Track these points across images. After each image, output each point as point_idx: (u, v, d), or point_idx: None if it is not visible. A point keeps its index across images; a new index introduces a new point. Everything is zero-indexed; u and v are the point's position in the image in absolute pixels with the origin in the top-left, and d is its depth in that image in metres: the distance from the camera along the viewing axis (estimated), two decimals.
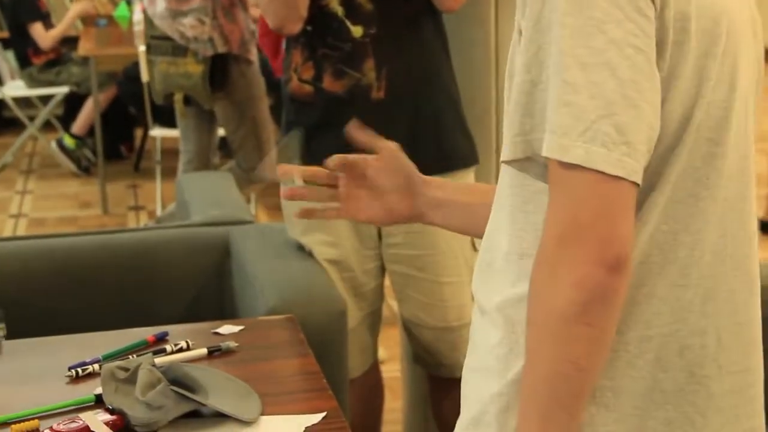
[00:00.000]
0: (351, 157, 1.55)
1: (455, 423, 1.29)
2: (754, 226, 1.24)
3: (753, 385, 1.25)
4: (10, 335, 2.05)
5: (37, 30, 6.18)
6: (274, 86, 4.29)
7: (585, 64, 1.08)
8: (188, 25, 4.22)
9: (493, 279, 1.23)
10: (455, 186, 1.59)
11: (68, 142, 6.30)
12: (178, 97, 4.40)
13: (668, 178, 1.15)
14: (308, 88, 2.33)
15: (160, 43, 4.39)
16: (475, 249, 2.44)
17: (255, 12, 4.23)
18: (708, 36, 1.14)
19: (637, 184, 1.09)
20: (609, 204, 1.08)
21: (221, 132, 4.72)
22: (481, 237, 1.31)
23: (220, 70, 4.30)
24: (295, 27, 2.29)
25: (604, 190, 1.07)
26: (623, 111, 1.07)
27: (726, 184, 1.19)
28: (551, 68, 1.09)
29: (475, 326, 1.27)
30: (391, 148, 1.55)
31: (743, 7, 1.21)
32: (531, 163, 1.14)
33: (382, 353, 3.13)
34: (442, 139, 2.37)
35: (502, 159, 1.15)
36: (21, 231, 5.31)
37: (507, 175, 1.22)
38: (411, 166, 1.54)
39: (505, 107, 1.21)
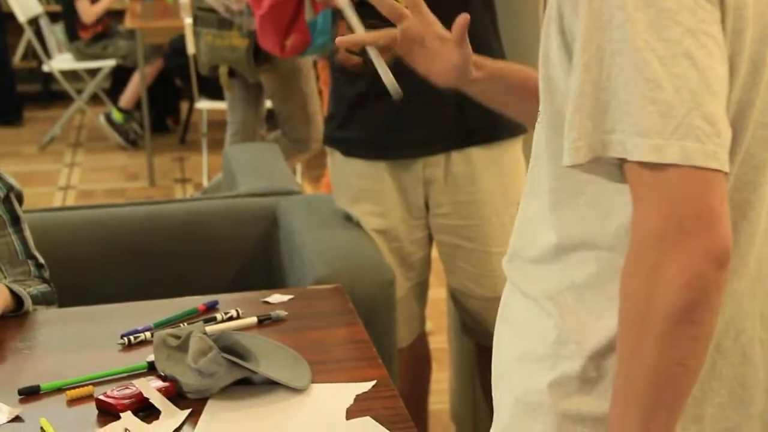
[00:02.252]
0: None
1: None
2: None
3: None
4: (62, 305, 2.08)
5: (83, 4, 6.22)
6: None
7: (663, 58, 1.05)
8: None
9: (539, 268, 1.22)
10: (507, 82, 1.63)
11: (116, 115, 6.35)
12: (222, 70, 4.41)
13: (733, 168, 1.14)
14: (356, 58, 2.33)
15: (206, 15, 4.39)
16: None
17: None
18: (763, 21, 1.13)
19: (727, 174, 1.07)
20: (709, 197, 1.05)
21: (268, 104, 4.73)
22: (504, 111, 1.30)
23: None
24: None
25: (703, 185, 1.05)
26: (709, 100, 1.05)
27: None
28: (623, 66, 1.06)
29: (516, 308, 1.27)
30: (466, 54, 1.58)
31: None
32: (594, 163, 1.11)
33: (428, 325, 3.14)
34: (490, 109, 2.36)
35: (564, 164, 1.11)
36: (69, 203, 5.37)
37: (547, 166, 1.20)
38: (468, 70, 1.58)
39: (540, 96, 1.20)
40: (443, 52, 1.57)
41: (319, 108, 4.51)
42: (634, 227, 1.08)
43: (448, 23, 2.30)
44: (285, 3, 2.61)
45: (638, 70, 1.05)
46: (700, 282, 1.04)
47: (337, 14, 2.36)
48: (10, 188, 2.12)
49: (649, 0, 1.05)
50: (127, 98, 6.35)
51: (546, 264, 1.22)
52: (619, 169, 1.11)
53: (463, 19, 1.55)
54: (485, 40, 2.36)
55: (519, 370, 1.24)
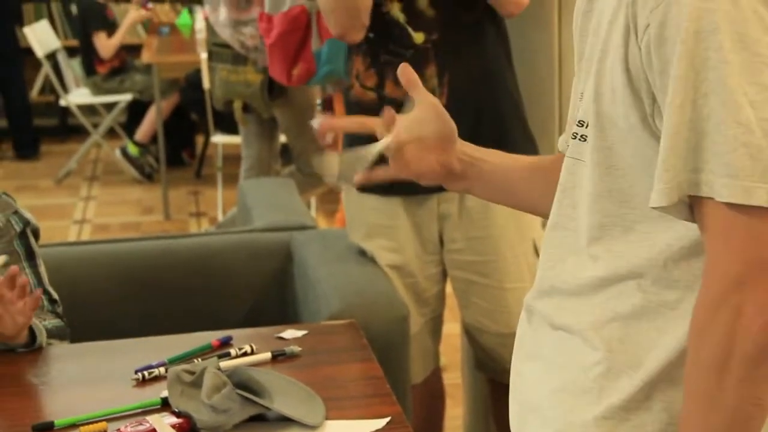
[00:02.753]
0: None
1: None
2: None
3: None
4: (76, 339, 2.08)
5: (100, 39, 6.27)
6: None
7: (754, 102, 1.06)
8: (248, 35, 4.26)
9: (578, 301, 1.22)
10: (493, 151, 1.53)
11: (132, 149, 6.38)
12: (237, 105, 4.44)
13: None
14: (371, 94, 2.34)
15: (221, 50, 4.43)
16: (537, 254, 2.42)
17: None
18: None
19: None
20: None
21: (283, 139, 4.75)
22: (512, 207, 1.28)
23: None
24: (358, 35, 2.30)
25: None
26: None
27: None
28: (715, 108, 1.07)
29: (548, 343, 1.26)
30: (429, 98, 1.49)
31: None
32: (677, 204, 1.12)
33: (442, 360, 3.13)
34: (505, 144, 2.35)
35: (652, 206, 1.12)
36: (85, 237, 5.38)
37: (593, 203, 1.20)
38: (447, 118, 1.49)
39: (588, 132, 1.19)
40: (419, 119, 1.49)
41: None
42: (710, 268, 1.10)
43: (460, 51, 2.31)
44: (292, 32, 2.64)
45: (730, 112, 1.07)
46: None
47: (353, 49, 2.38)
48: (26, 223, 2.13)
49: (744, 43, 1.07)
50: (143, 132, 6.39)
51: (586, 296, 1.22)
52: (688, 208, 1.12)
53: (405, 69, 1.49)
54: (499, 73, 2.37)
55: (557, 404, 1.24)
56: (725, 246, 1.08)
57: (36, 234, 2.16)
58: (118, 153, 6.42)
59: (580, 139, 1.23)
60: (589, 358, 1.20)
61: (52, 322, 2.06)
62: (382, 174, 1.50)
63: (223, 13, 4.31)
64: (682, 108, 1.09)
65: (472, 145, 1.51)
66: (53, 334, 2.03)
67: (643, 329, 1.17)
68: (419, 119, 1.48)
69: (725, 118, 1.07)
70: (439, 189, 2.34)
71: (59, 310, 2.12)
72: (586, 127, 1.22)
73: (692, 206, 1.11)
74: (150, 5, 6.97)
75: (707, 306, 1.09)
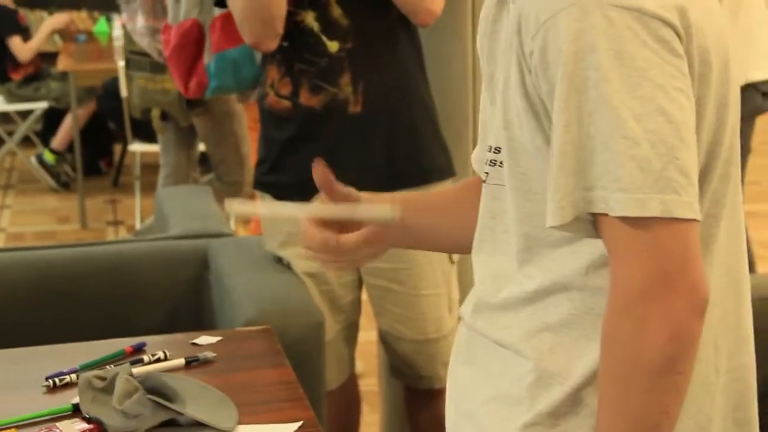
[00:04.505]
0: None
1: None
2: (743, 234, 1.28)
3: (746, 378, 1.28)
4: None
5: (15, 43, 6.18)
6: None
7: (639, 115, 1.08)
8: None
9: (508, 315, 1.24)
10: (422, 208, 1.51)
11: (48, 157, 6.30)
12: (155, 113, 4.41)
13: (703, 207, 1.17)
14: (286, 103, 2.35)
15: (138, 58, 4.40)
16: (451, 261, 2.45)
17: None
18: (722, 64, 1.18)
19: (699, 221, 1.11)
20: (689, 249, 1.09)
21: (201, 147, 4.73)
22: (445, 251, 1.28)
23: None
24: (272, 44, 2.31)
25: (683, 236, 1.09)
26: (683, 153, 1.09)
27: (731, 199, 1.23)
28: (601, 125, 1.09)
29: (484, 352, 1.28)
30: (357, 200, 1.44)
31: (728, 25, 1.25)
32: (576, 222, 1.13)
33: (359, 367, 3.14)
34: (419, 152, 2.39)
35: (549, 225, 1.14)
36: None
37: (517, 226, 1.22)
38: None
39: (503, 158, 1.22)
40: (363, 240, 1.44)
41: (250, 151, 4.52)
42: (614, 282, 1.11)
43: (374, 59, 2.34)
44: (185, 46, 2.64)
45: (616, 128, 1.08)
46: (684, 335, 1.08)
47: (267, 58, 2.39)
48: None
49: (621, 60, 1.09)
50: (59, 140, 6.31)
51: (515, 309, 1.24)
52: (593, 225, 1.14)
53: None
54: (413, 82, 2.40)
55: (491, 413, 1.25)
56: (626, 259, 1.10)
57: None
58: (33, 161, 6.33)
59: (498, 166, 1.25)
60: (521, 369, 1.22)
61: None
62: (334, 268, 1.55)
63: (140, 21, 4.29)
64: (568, 128, 1.11)
65: (410, 211, 1.45)
66: None
67: (572, 337, 1.19)
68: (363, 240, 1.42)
69: (612, 134, 1.09)
70: None
71: None
72: (500, 153, 1.24)
73: (595, 222, 1.13)
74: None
75: (613, 319, 1.11)
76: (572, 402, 1.19)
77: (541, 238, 1.20)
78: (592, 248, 1.17)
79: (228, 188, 4.48)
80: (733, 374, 1.26)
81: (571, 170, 1.11)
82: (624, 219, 1.09)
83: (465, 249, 1.36)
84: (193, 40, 2.73)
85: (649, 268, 1.09)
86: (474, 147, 1.44)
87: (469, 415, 1.29)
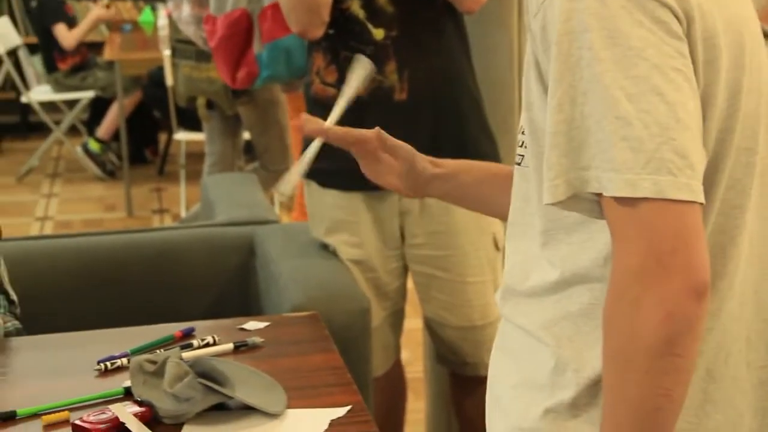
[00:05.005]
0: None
1: (479, 422, 1.30)
2: None
3: None
4: (39, 332, 2.08)
5: (60, 30, 6.24)
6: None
7: (632, 95, 1.07)
8: None
9: (532, 302, 1.25)
10: (462, 176, 1.57)
11: (93, 146, 6.36)
12: (200, 102, 4.44)
13: (717, 195, 1.17)
14: (331, 90, 2.36)
15: (184, 47, 4.43)
16: (497, 248, 2.45)
17: None
18: (736, 48, 1.16)
19: (702, 204, 1.09)
20: (685, 230, 1.07)
21: (246, 135, 4.75)
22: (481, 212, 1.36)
23: None
24: (318, 32, 2.31)
25: (678, 217, 1.07)
26: (679, 134, 1.07)
27: (759, 189, 1.21)
28: (594, 105, 1.09)
29: (512, 338, 1.29)
30: (407, 151, 1.55)
31: (752, 13, 1.23)
32: (574, 200, 1.13)
33: (404, 354, 3.16)
34: (465, 140, 2.39)
35: (545, 203, 1.14)
36: (47, 233, 5.36)
37: (539, 208, 1.22)
38: (421, 166, 1.54)
39: (526, 139, 1.22)
40: (391, 162, 1.56)
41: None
42: (613, 262, 1.10)
43: (420, 47, 2.34)
44: (233, 36, 2.63)
45: (608, 108, 1.07)
46: (680, 316, 1.06)
47: (312, 46, 2.39)
48: None
49: (615, 39, 1.08)
50: (104, 129, 6.37)
51: (540, 297, 1.24)
52: (598, 205, 1.13)
53: (375, 132, 1.55)
54: (459, 70, 2.40)
55: (516, 397, 1.26)
56: (622, 239, 1.09)
57: None
58: (79, 150, 6.40)
59: (523, 147, 1.26)
60: (542, 355, 1.22)
61: (14, 323, 2.06)
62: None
63: (186, 10, 4.32)
64: (561, 107, 1.11)
65: (447, 176, 1.55)
66: (11, 335, 2.03)
67: (591, 327, 1.19)
68: (390, 165, 1.55)
69: (605, 114, 1.08)
70: None
71: (17, 311, 2.12)
72: (524, 134, 1.24)
73: (595, 200, 1.12)
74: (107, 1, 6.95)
75: (611, 300, 1.10)
76: (591, 393, 1.19)
77: (557, 220, 1.20)
78: (607, 237, 1.15)
79: (273, 176, 4.50)
80: (758, 373, 1.24)
81: (564, 149, 1.11)
82: (618, 199, 1.08)
83: (502, 216, 1.39)
84: (242, 30, 2.74)
85: (643, 249, 1.07)
86: None
87: (498, 399, 1.30)
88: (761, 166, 1.22)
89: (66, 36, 6.24)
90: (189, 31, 4.32)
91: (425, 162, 1.54)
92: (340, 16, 2.31)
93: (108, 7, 6.71)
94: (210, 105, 4.45)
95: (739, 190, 1.19)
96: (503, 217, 1.45)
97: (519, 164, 1.29)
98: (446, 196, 1.58)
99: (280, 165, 4.51)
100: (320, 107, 2.40)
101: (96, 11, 6.53)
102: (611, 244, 1.11)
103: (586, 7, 1.09)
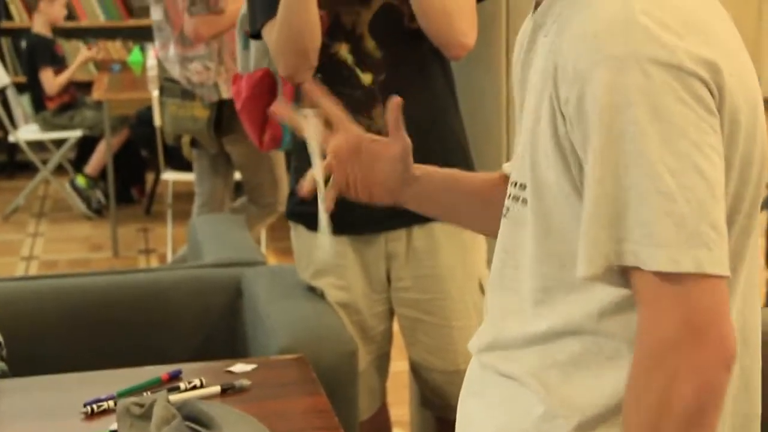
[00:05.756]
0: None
1: None
2: (758, 289, 1.29)
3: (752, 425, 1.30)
4: (24, 374, 2.08)
5: (46, 75, 6.25)
6: None
7: (674, 171, 1.10)
8: (194, 71, 4.28)
9: (518, 351, 1.26)
10: (443, 185, 1.60)
11: (80, 181, 6.37)
12: (185, 140, 4.45)
13: None
14: None
15: (171, 85, 4.44)
16: (482, 292, 2.46)
17: None
18: (751, 122, 1.20)
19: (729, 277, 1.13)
20: (718, 303, 1.11)
21: (237, 175, 4.73)
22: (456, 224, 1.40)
23: (229, 115, 4.33)
24: (306, 76, 2.33)
25: (712, 290, 1.11)
26: (714, 209, 1.11)
27: (750, 252, 1.24)
28: (636, 179, 1.11)
29: (492, 385, 1.30)
30: (404, 142, 1.57)
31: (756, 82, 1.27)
32: (606, 272, 1.15)
33: (390, 397, 3.15)
34: None
35: (579, 275, 1.16)
36: (32, 273, 5.35)
37: (534, 265, 1.24)
38: (409, 167, 1.57)
39: (528, 196, 1.24)
40: (382, 151, 1.56)
41: (285, 175, 4.53)
42: (644, 332, 1.13)
43: (407, 91, 2.34)
44: (256, 98, 2.60)
45: (652, 183, 1.10)
46: (712, 386, 1.10)
47: (301, 91, 2.41)
48: None
49: (659, 114, 1.11)
50: (92, 166, 6.37)
51: (527, 347, 1.25)
52: (619, 274, 1.15)
53: (396, 102, 1.56)
54: (446, 115, 2.42)
55: None
56: (657, 311, 1.12)
57: None
58: (67, 186, 6.40)
59: (521, 203, 1.27)
60: (529, 402, 1.23)
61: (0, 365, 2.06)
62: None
63: (172, 50, 4.35)
64: (602, 180, 1.13)
65: (428, 179, 1.58)
66: None
67: (581, 375, 1.21)
68: (379, 154, 1.55)
69: (648, 188, 1.10)
70: (387, 228, 2.40)
71: (3, 353, 2.11)
72: (525, 190, 1.26)
73: (623, 272, 1.15)
74: (93, 45, 6.99)
75: (641, 368, 1.13)
76: None
77: (559, 279, 1.22)
78: (607, 294, 1.18)
79: (262, 210, 4.49)
80: (740, 419, 1.27)
81: (603, 222, 1.13)
82: (656, 273, 1.11)
83: (484, 232, 1.40)
84: (265, 90, 2.70)
85: (679, 321, 1.10)
86: None
87: None
88: (754, 230, 1.25)
89: (51, 83, 6.26)
90: (174, 70, 4.35)
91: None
92: (328, 60, 2.33)
93: (89, 48, 6.74)
94: (195, 143, 4.45)
95: (737, 252, 1.22)
96: (467, 227, 1.49)
97: (505, 216, 1.31)
98: (416, 198, 1.59)
99: (269, 198, 4.50)
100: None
101: (82, 53, 6.56)
102: (641, 313, 1.13)
103: (632, 83, 1.11)
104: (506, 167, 1.48)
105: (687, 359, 1.10)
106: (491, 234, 1.38)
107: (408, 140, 1.56)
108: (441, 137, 2.40)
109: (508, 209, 1.30)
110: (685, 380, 1.09)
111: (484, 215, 1.48)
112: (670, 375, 1.10)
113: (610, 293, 1.18)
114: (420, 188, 1.56)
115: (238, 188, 4.83)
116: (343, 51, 2.33)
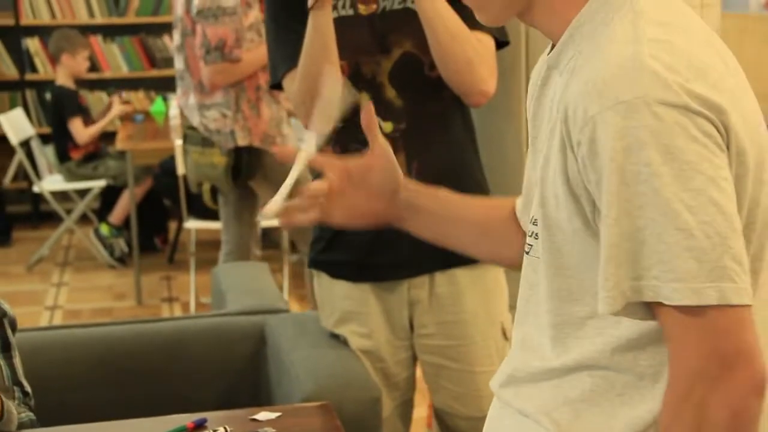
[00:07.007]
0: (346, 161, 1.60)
1: None
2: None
3: None
4: (52, 423, 2.09)
5: (76, 125, 6.32)
6: None
7: (692, 207, 1.12)
8: (211, 118, 4.32)
9: (531, 386, 1.28)
10: (433, 196, 1.63)
11: (104, 230, 6.41)
12: (205, 187, 4.47)
13: None
14: None
15: (192, 133, 4.48)
16: (505, 337, 2.46)
17: (287, 104, 4.30)
18: (758, 165, 1.22)
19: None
20: (745, 332, 1.13)
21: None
22: (450, 247, 1.42)
23: (248, 161, 4.35)
24: (328, 125, 2.35)
25: (738, 320, 1.13)
26: (735, 242, 1.13)
27: (759, 294, 1.24)
28: (652, 218, 1.13)
29: (509, 425, 1.31)
30: (383, 145, 1.59)
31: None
32: (627, 308, 1.17)
33: None
34: None
35: (600, 312, 1.17)
36: (57, 323, 5.37)
37: (548, 301, 1.26)
38: (397, 167, 1.59)
39: (539, 231, 1.26)
40: (369, 162, 1.60)
41: None
42: (673, 366, 1.14)
43: (428, 140, 2.37)
44: None
45: (669, 220, 1.12)
46: (746, 414, 1.11)
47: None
48: (3, 314, 2.14)
49: (672, 154, 1.13)
50: (116, 215, 6.42)
51: (539, 383, 1.27)
52: (641, 308, 1.17)
53: (368, 108, 1.61)
54: (467, 162, 2.43)
55: None
56: (684, 345, 1.13)
57: (13, 326, 2.16)
58: (92, 235, 6.44)
59: (534, 237, 1.29)
60: None
61: (28, 414, 2.06)
62: (302, 218, 1.57)
63: (192, 97, 4.39)
64: (618, 221, 1.15)
65: (419, 192, 1.62)
66: (25, 426, 2.03)
67: (592, 413, 1.22)
68: (369, 167, 1.58)
69: (665, 226, 1.12)
70: (409, 275, 2.40)
71: (31, 403, 2.12)
72: (536, 225, 1.28)
73: (648, 306, 1.16)
74: (123, 94, 7.05)
75: (673, 403, 1.14)
76: None
77: (569, 314, 1.24)
78: (619, 331, 1.20)
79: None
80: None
81: (620, 261, 1.15)
82: (679, 307, 1.12)
83: (491, 260, 1.43)
84: None
85: (705, 352, 1.12)
86: None
87: None
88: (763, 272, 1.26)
89: (81, 132, 6.32)
90: (193, 118, 4.38)
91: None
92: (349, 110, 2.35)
93: (127, 103, 6.82)
94: (215, 191, 4.47)
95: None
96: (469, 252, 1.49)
97: (528, 253, 1.32)
98: (413, 208, 1.61)
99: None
100: None
101: (115, 108, 6.61)
102: (669, 347, 1.15)
103: (643, 125, 1.13)
104: (518, 204, 1.50)
105: (717, 389, 1.11)
106: (489, 260, 1.40)
107: (384, 140, 1.60)
108: (462, 185, 2.39)
109: (530, 246, 1.32)
110: (717, 410, 1.11)
111: (482, 241, 1.51)
112: (702, 406, 1.11)
113: (623, 330, 1.19)
114: (416, 196, 1.60)
115: (265, 236, 4.83)
116: (364, 100, 2.35)
